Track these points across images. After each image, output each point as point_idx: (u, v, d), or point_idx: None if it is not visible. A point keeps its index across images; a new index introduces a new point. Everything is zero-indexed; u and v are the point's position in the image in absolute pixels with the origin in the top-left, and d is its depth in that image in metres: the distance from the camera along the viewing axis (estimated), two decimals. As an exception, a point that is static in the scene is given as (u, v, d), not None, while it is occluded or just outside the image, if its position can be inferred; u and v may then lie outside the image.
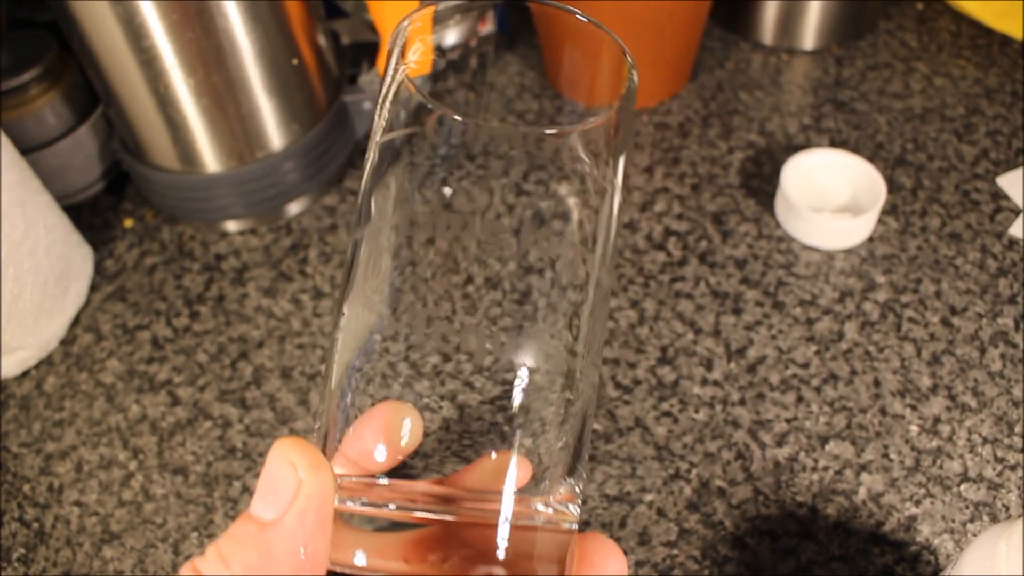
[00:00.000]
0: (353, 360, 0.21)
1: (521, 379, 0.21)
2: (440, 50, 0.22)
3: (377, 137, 0.22)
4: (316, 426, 0.22)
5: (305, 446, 0.18)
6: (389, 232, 0.21)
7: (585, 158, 0.21)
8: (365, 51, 0.59)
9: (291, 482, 0.18)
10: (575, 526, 0.22)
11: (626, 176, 0.23)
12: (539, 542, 0.21)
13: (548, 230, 0.21)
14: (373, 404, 0.21)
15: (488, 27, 0.69)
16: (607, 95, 0.23)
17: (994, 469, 0.42)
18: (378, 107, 0.22)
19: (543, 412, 0.22)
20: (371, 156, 0.22)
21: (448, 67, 0.21)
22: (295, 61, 0.52)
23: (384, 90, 0.22)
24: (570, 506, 0.23)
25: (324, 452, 0.21)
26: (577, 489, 0.23)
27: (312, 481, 0.18)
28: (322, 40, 0.55)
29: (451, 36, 0.22)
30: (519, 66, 0.67)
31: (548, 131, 0.21)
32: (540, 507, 0.22)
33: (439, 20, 0.22)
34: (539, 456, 0.22)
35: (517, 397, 0.21)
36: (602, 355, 0.23)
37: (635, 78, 0.23)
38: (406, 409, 0.21)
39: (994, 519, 0.40)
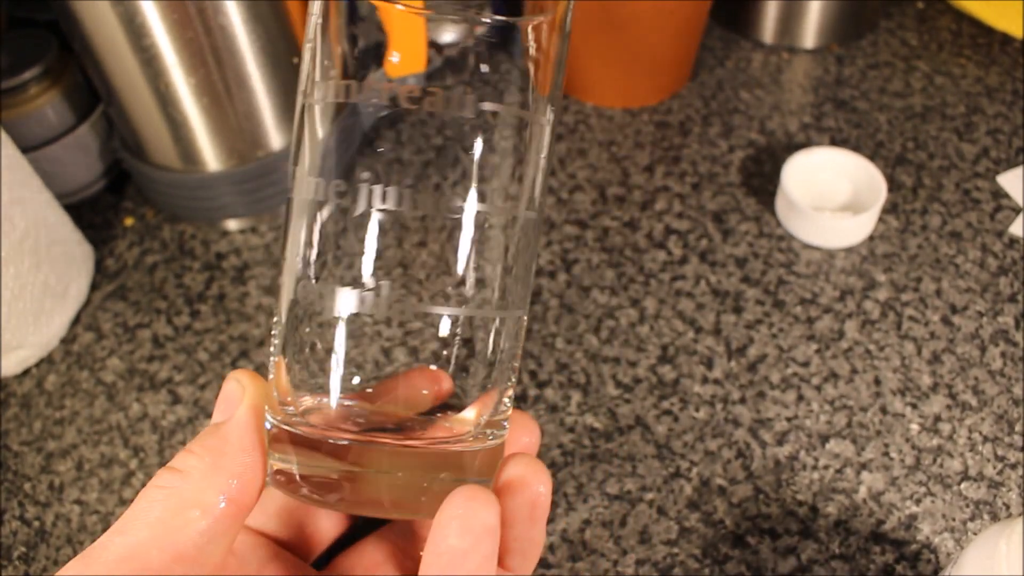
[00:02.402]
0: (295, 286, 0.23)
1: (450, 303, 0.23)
2: (436, 47, 0.22)
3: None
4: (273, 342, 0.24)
5: (247, 371, 0.24)
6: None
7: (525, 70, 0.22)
8: (371, 51, 0.59)
9: (237, 392, 0.23)
10: (502, 438, 0.24)
11: (559, 113, 0.25)
12: (466, 458, 0.23)
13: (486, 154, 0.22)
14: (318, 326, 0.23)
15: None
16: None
17: (994, 468, 0.42)
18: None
19: (472, 341, 0.23)
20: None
21: (445, 65, 0.21)
22: (296, 60, 0.52)
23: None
24: (496, 427, 0.24)
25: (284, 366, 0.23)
26: (503, 405, 0.24)
27: (252, 389, 0.23)
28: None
29: (447, 34, 0.22)
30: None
31: (485, 18, 0.21)
32: (467, 428, 0.24)
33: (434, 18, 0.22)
34: (465, 386, 0.24)
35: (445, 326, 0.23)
36: (530, 292, 0.24)
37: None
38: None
39: (995, 518, 0.40)
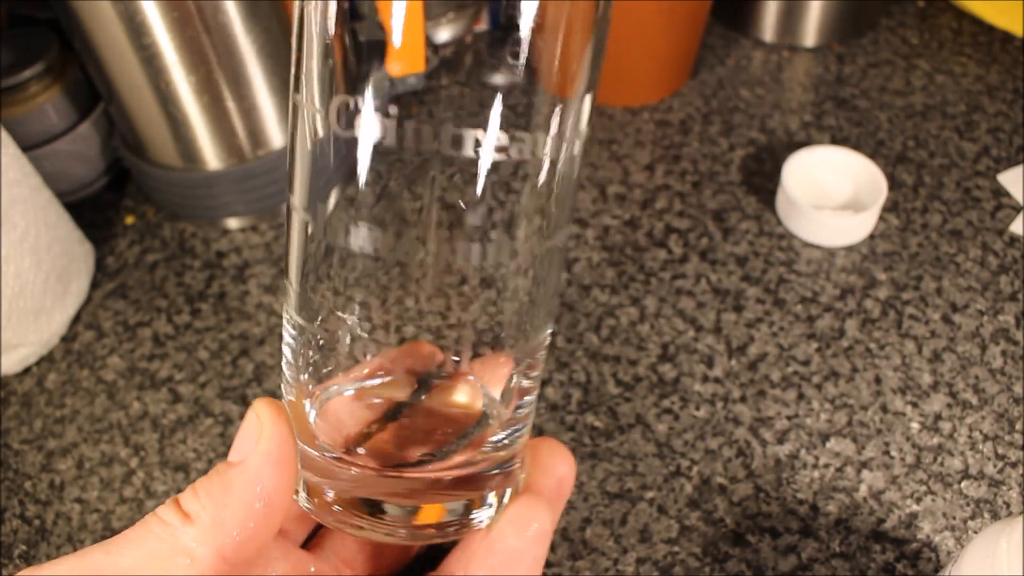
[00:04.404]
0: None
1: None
2: (433, 47, 0.22)
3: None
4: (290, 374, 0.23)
5: (271, 402, 0.22)
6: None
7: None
8: (374, 49, 0.59)
9: (255, 430, 0.21)
10: (524, 438, 0.24)
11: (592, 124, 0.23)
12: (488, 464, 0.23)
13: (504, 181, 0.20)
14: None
15: (482, 25, 0.69)
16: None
17: (995, 466, 0.42)
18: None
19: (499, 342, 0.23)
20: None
21: (441, 65, 0.21)
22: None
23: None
24: (515, 428, 0.24)
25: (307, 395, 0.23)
26: (526, 406, 0.24)
27: (271, 429, 0.21)
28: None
29: (444, 33, 0.21)
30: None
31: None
32: (487, 448, 0.23)
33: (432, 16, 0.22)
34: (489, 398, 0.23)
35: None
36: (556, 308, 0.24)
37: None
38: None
39: (995, 516, 0.40)
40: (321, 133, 0.20)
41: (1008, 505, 0.40)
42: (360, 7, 0.21)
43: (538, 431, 0.44)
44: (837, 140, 0.58)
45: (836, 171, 0.54)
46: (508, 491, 0.23)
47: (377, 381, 0.23)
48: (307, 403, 0.23)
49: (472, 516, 0.23)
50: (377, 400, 0.23)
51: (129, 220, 0.58)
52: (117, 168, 0.59)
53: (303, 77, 0.21)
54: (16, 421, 0.48)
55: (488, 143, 0.20)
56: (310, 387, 0.22)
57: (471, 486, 0.23)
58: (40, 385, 0.49)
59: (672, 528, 0.41)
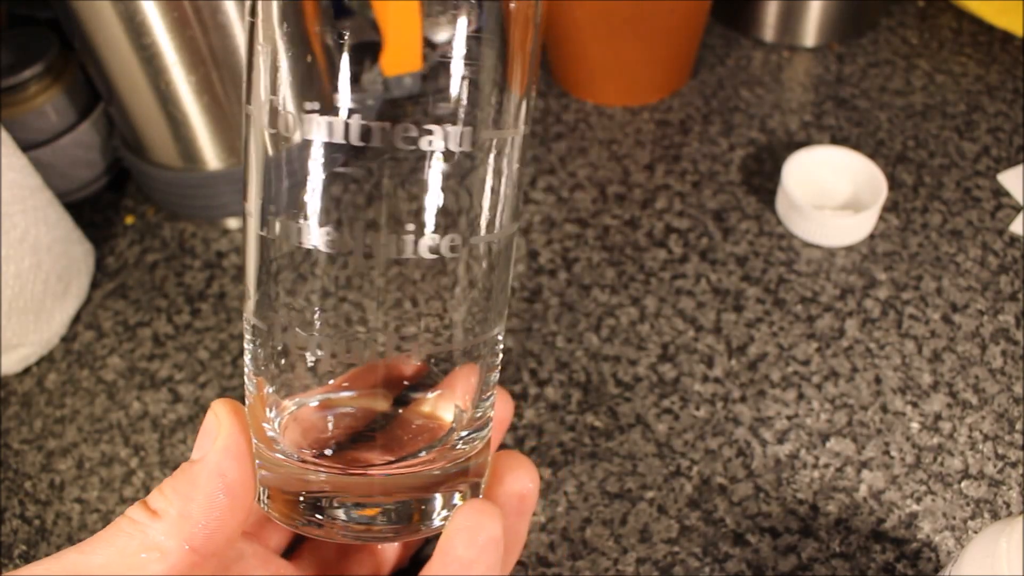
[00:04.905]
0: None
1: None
2: (431, 45, 0.22)
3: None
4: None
5: (228, 402, 0.23)
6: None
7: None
8: (368, 50, 0.59)
9: (213, 429, 0.23)
10: (483, 439, 0.24)
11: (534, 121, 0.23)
12: (450, 472, 0.23)
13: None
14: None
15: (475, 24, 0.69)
16: None
17: (995, 466, 0.42)
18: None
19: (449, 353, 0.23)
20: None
21: (439, 64, 0.21)
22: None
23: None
24: (475, 433, 0.24)
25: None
26: (484, 412, 0.24)
27: (229, 426, 0.22)
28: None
29: (444, 32, 0.21)
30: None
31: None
32: (452, 450, 0.23)
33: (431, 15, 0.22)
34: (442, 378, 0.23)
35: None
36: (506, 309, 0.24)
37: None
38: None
39: (995, 516, 0.40)
40: (270, 141, 0.21)
41: (1008, 505, 0.40)
42: (320, 15, 0.21)
43: (538, 431, 0.44)
44: (837, 140, 0.58)
45: (836, 171, 0.54)
46: (460, 493, 0.23)
47: (346, 394, 0.23)
48: (269, 407, 0.23)
49: (426, 520, 0.23)
50: (345, 409, 0.24)
51: (129, 220, 0.58)
52: (117, 168, 0.59)
53: (253, 87, 0.21)
54: (16, 421, 0.48)
55: (436, 139, 0.20)
56: (270, 390, 0.23)
57: (427, 487, 0.23)
58: (40, 385, 0.49)
59: (672, 528, 0.41)
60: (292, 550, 0.28)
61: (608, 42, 0.59)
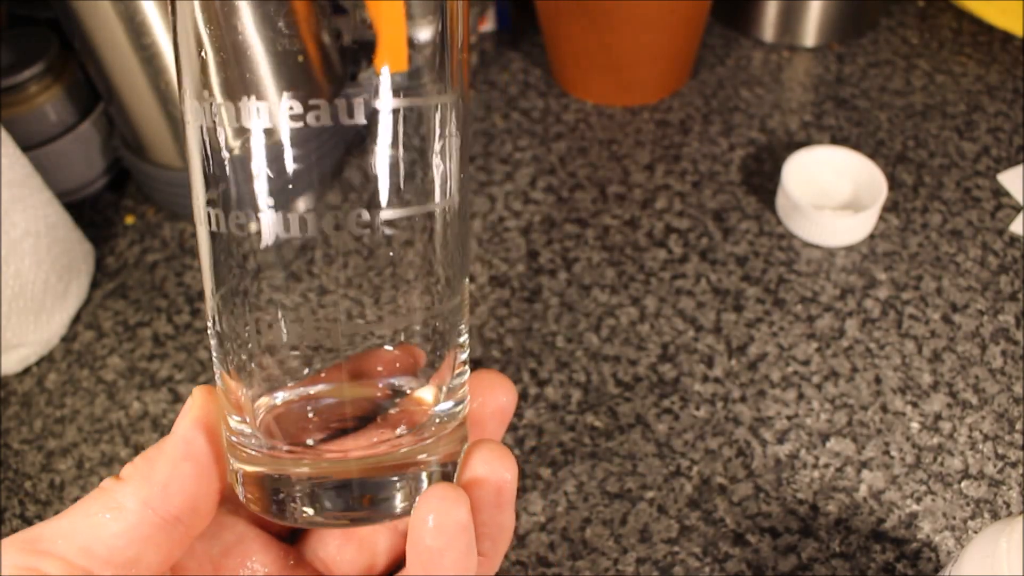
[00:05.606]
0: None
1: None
2: (414, 45, 0.22)
3: None
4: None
5: (206, 387, 0.24)
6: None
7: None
8: (363, 48, 0.59)
9: (187, 405, 0.24)
10: (463, 415, 0.24)
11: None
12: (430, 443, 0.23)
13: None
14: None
15: (488, 25, 0.69)
16: None
17: (995, 466, 0.42)
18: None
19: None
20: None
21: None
22: (302, 58, 0.52)
23: None
24: (454, 403, 0.24)
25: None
26: (458, 377, 0.24)
27: (201, 402, 0.23)
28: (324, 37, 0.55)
29: (423, 30, 0.22)
30: (522, 63, 0.67)
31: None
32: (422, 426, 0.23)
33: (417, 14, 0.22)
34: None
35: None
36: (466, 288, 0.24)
37: None
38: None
39: (995, 516, 0.40)
40: (207, 137, 0.21)
41: (1008, 505, 0.40)
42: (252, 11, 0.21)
43: (538, 431, 0.44)
44: (837, 140, 0.58)
45: (836, 171, 0.54)
46: (428, 475, 0.23)
47: (319, 387, 0.23)
48: (240, 404, 0.23)
49: (400, 503, 0.23)
50: (320, 400, 0.24)
51: (129, 220, 0.58)
52: (117, 168, 0.59)
53: (183, 83, 0.21)
54: (16, 421, 0.48)
55: (383, 113, 0.21)
56: (239, 386, 0.23)
57: (397, 468, 0.23)
58: (40, 385, 0.49)
59: (672, 528, 0.41)
60: (296, 534, 0.28)
61: (608, 42, 0.59)
